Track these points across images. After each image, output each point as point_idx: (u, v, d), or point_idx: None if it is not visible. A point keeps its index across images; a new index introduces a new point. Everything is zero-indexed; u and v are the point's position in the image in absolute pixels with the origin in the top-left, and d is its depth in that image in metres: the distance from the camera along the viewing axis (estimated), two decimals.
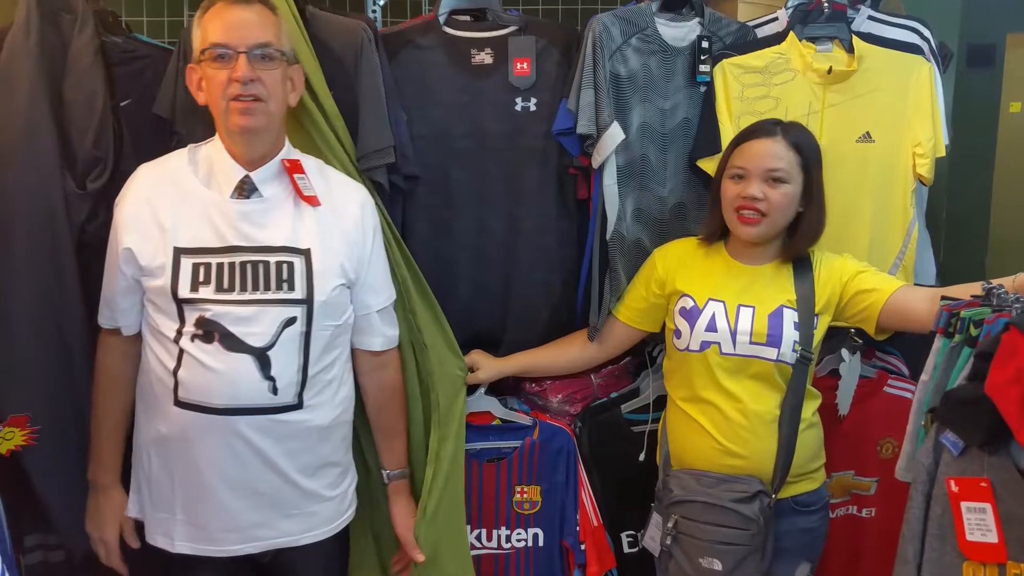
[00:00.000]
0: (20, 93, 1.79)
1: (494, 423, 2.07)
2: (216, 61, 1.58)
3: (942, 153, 2.06)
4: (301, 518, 1.70)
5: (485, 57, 2.01)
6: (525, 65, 2.00)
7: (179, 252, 1.59)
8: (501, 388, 2.14)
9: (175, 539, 1.68)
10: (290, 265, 1.61)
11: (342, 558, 1.87)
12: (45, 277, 1.78)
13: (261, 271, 1.60)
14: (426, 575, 1.89)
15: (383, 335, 1.79)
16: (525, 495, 2.07)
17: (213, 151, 1.67)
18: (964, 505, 1.25)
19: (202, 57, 1.60)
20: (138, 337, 1.69)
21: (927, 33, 2.11)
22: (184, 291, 1.57)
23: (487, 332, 2.09)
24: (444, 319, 1.95)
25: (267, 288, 1.60)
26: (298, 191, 1.64)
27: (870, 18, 2.14)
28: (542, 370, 2.12)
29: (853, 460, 2.16)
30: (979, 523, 1.24)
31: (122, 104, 1.93)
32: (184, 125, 1.87)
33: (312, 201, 1.65)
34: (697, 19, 2.05)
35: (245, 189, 1.63)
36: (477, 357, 2.04)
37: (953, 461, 1.28)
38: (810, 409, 1.86)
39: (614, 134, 1.92)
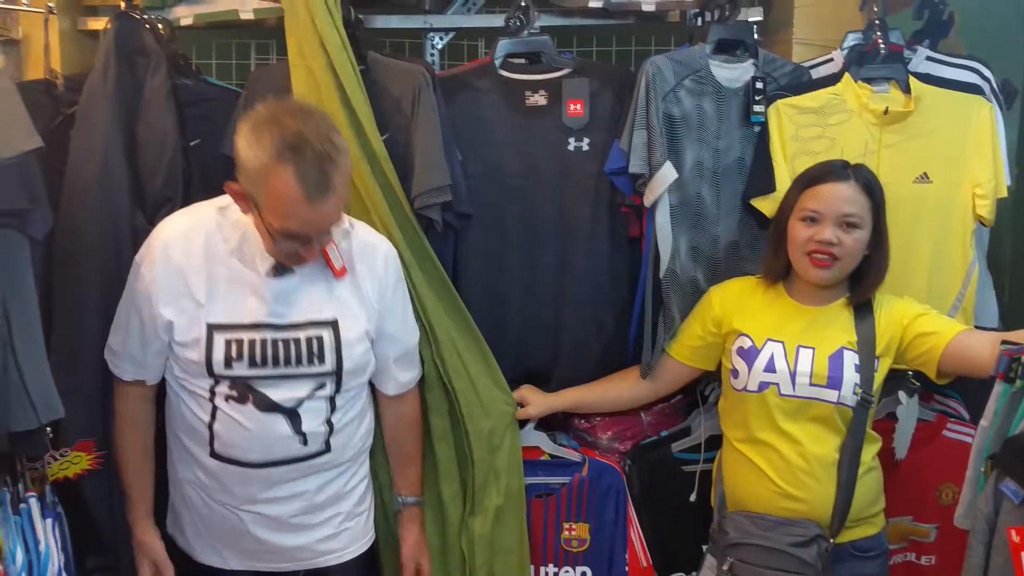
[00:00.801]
0: (97, 133, 1.91)
1: (543, 458, 2.10)
2: (287, 238, 1.56)
3: (1004, 194, 2.04)
4: (335, 539, 1.79)
5: (539, 99, 2.07)
6: (579, 106, 2.05)
7: (212, 328, 1.64)
8: (551, 424, 2.17)
9: (227, 559, 1.78)
10: (320, 339, 1.68)
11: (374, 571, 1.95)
12: (114, 311, 1.87)
13: (292, 348, 1.66)
14: None
15: (396, 380, 1.86)
16: (573, 532, 2.09)
17: (245, 221, 1.64)
18: None
19: (269, 224, 1.54)
20: (158, 383, 1.76)
21: (987, 73, 2.11)
22: (219, 367, 1.64)
23: (538, 368, 2.13)
24: (491, 356, 2.00)
25: (299, 363, 1.67)
26: (330, 264, 1.68)
27: (928, 59, 2.15)
28: (592, 406, 2.14)
29: (911, 505, 2.13)
30: None
31: (192, 144, 2.03)
32: None
33: (340, 273, 1.69)
34: (751, 60, 2.08)
35: (279, 268, 1.65)
36: (527, 392, 2.08)
37: (1014, 509, 1.27)
38: (870, 453, 1.86)
39: (667, 174, 1.96)
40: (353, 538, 1.84)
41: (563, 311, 2.11)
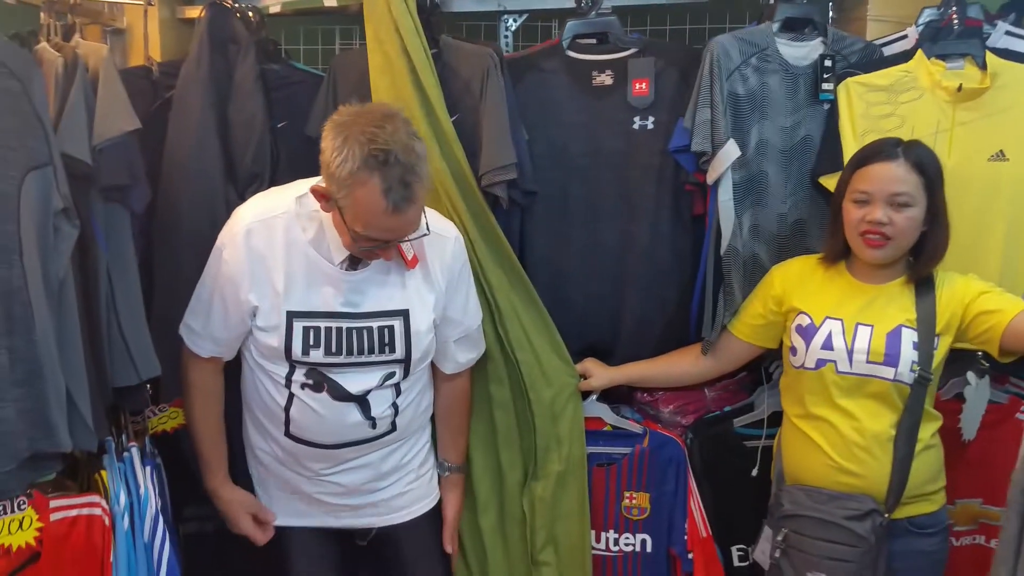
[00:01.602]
0: (192, 116, 2.12)
1: (605, 429, 2.21)
2: (368, 240, 1.68)
3: None
4: (398, 500, 1.97)
5: (605, 78, 2.17)
6: (644, 85, 2.14)
7: (292, 316, 1.77)
8: (614, 396, 2.27)
9: (294, 518, 1.96)
10: (391, 328, 1.81)
11: (439, 532, 2.07)
12: None
13: (365, 337, 1.79)
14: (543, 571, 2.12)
15: (455, 361, 1.99)
16: (634, 501, 2.20)
17: (323, 215, 1.75)
18: None
19: (351, 227, 1.64)
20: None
21: None
22: (297, 354, 1.78)
23: (601, 342, 2.24)
24: (554, 328, 2.12)
25: (371, 352, 1.80)
26: (402, 256, 1.79)
27: (1008, 33, 2.13)
28: (654, 381, 2.24)
29: (981, 488, 2.15)
30: None
31: (278, 125, 2.22)
32: None
33: (413, 263, 1.80)
34: (820, 39, 2.12)
35: (355, 260, 1.78)
36: (590, 365, 2.19)
37: None
38: (928, 431, 1.89)
39: (729, 151, 2.03)
40: (418, 497, 2.00)
41: (626, 287, 2.21)
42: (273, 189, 1.91)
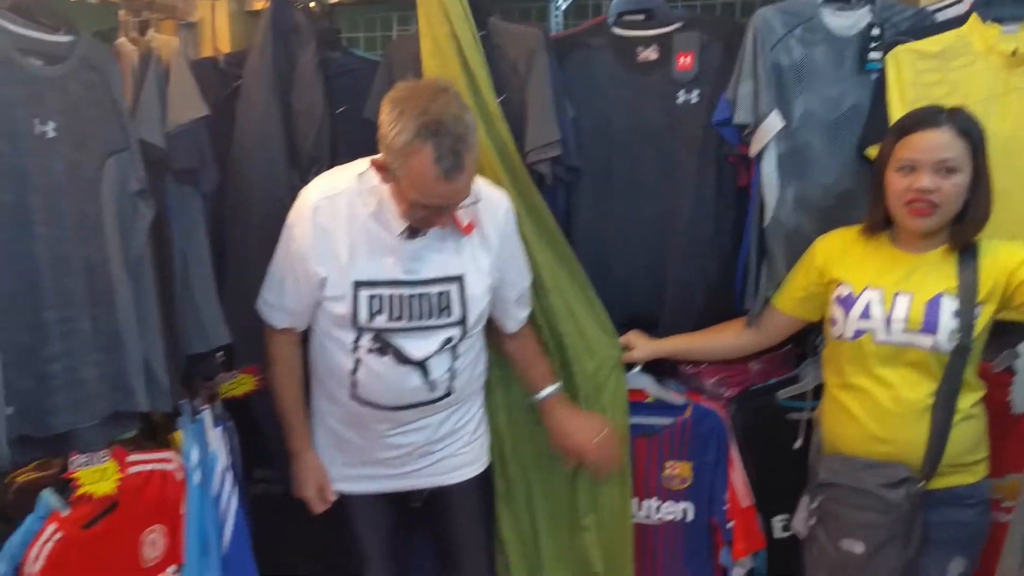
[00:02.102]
0: (256, 105, 2.29)
1: (647, 400, 2.29)
2: (422, 207, 1.80)
3: None
4: (451, 460, 2.10)
5: (650, 53, 2.24)
6: (688, 59, 2.21)
7: (357, 284, 1.92)
8: (660, 368, 2.35)
9: (356, 484, 2.11)
10: (447, 293, 1.95)
11: (486, 495, 2.21)
12: (271, 256, 2.24)
13: (425, 301, 1.94)
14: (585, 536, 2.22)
15: (515, 318, 2.13)
16: (676, 470, 2.28)
17: (382, 190, 1.88)
18: None
19: (406, 196, 1.78)
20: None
21: None
22: (363, 320, 1.93)
23: (645, 314, 2.31)
24: (597, 302, 2.22)
25: (430, 316, 1.94)
26: (457, 223, 1.91)
27: None
28: (697, 353, 2.30)
29: None
30: None
31: (338, 111, 2.37)
32: None
33: (468, 230, 1.93)
34: (868, 7, 2.14)
35: (413, 229, 1.89)
36: (633, 337, 2.27)
37: None
38: (968, 400, 1.90)
39: (772, 123, 2.07)
40: (470, 460, 2.14)
41: (669, 260, 2.28)
42: (336, 168, 2.04)
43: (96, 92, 1.83)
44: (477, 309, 1.98)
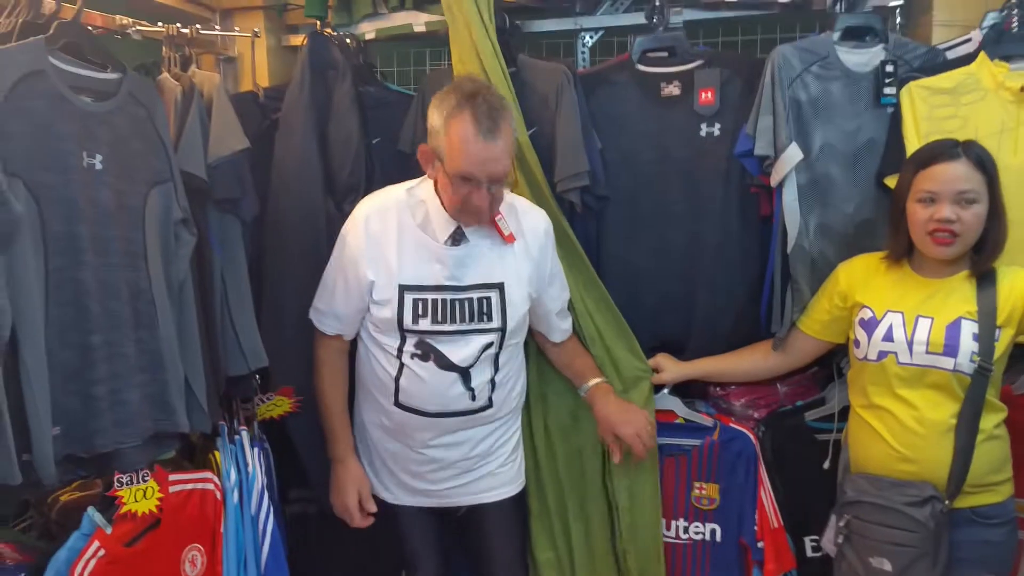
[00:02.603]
0: (296, 135, 2.34)
1: (677, 421, 2.31)
2: (463, 182, 1.88)
3: None
4: (488, 480, 2.13)
5: (673, 89, 2.29)
6: (710, 95, 2.25)
7: (403, 289, 1.99)
8: (690, 391, 2.37)
9: (397, 494, 2.15)
10: (488, 300, 2.00)
11: (521, 515, 2.25)
12: (309, 282, 2.28)
13: (467, 306, 2.00)
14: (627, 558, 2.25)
15: (560, 329, 2.19)
16: (704, 491, 2.29)
17: (429, 199, 2.00)
18: None
19: (447, 169, 1.88)
20: (353, 339, 2.13)
21: None
22: (408, 323, 1.99)
23: (673, 338, 2.35)
24: (625, 326, 2.25)
25: (471, 320, 2.00)
26: (500, 232, 1.99)
27: None
28: (724, 375, 2.33)
29: None
30: None
31: (374, 142, 2.42)
32: None
33: (510, 239, 2.00)
34: (881, 45, 2.19)
35: (456, 238, 1.99)
36: (662, 360, 2.30)
37: None
38: (991, 421, 1.92)
39: (792, 155, 2.11)
40: (507, 480, 2.16)
41: (696, 286, 2.31)
42: (387, 187, 2.11)
43: (141, 126, 1.87)
44: (516, 316, 2.02)
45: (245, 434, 2.13)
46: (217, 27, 2.59)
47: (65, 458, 1.75)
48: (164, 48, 2.19)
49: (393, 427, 2.09)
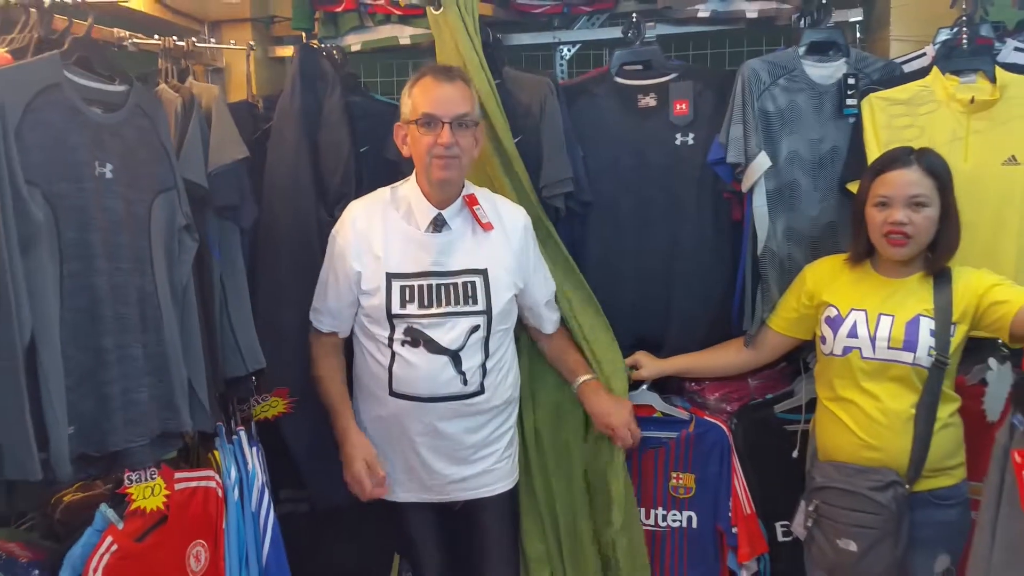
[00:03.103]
0: (287, 144, 2.43)
1: (655, 415, 2.46)
2: (425, 127, 2.05)
3: None
4: (484, 476, 2.23)
5: (650, 100, 2.44)
6: (684, 106, 2.41)
7: (390, 277, 2.12)
8: (667, 386, 2.52)
9: (396, 491, 2.24)
10: (473, 284, 2.13)
11: (514, 510, 2.36)
12: (302, 286, 2.38)
13: (452, 290, 2.13)
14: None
15: (550, 319, 2.33)
16: (680, 481, 2.43)
17: (410, 192, 2.17)
18: None
19: (412, 121, 2.09)
20: (346, 339, 2.25)
21: None
22: (396, 309, 2.11)
23: (651, 336, 2.49)
24: (606, 322, 2.38)
25: (457, 303, 2.12)
26: (477, 220, 2.14)
27: (1016, 49, 2.35)
28: (700, 371, 2.48)
29: None
30: None
31: (361, 150, 2.52)
32: (408, 167, 2.44)
33: (487, 227, 2.15)
34: (844, 59, 2.36)
35: (437, 224, 2.13)
36: (640, 357, 2.44)
37: (1021, 436, 1.54)
38: (947, 410, 2.09)
39: (760, 163, 2.27)
40: (502, 476, 2.27)
41: (673, 286, 2.46)
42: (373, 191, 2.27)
43: (147, 136, 1.95)
44: (501, 301, 2.15)
45: (243, 434, 2.22)
46: (206, 39, 2.68)
47: (78, 457, 1.82)
48: (160, 60, 2.28)
49: (389, 418, 2.19)
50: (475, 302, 2.14)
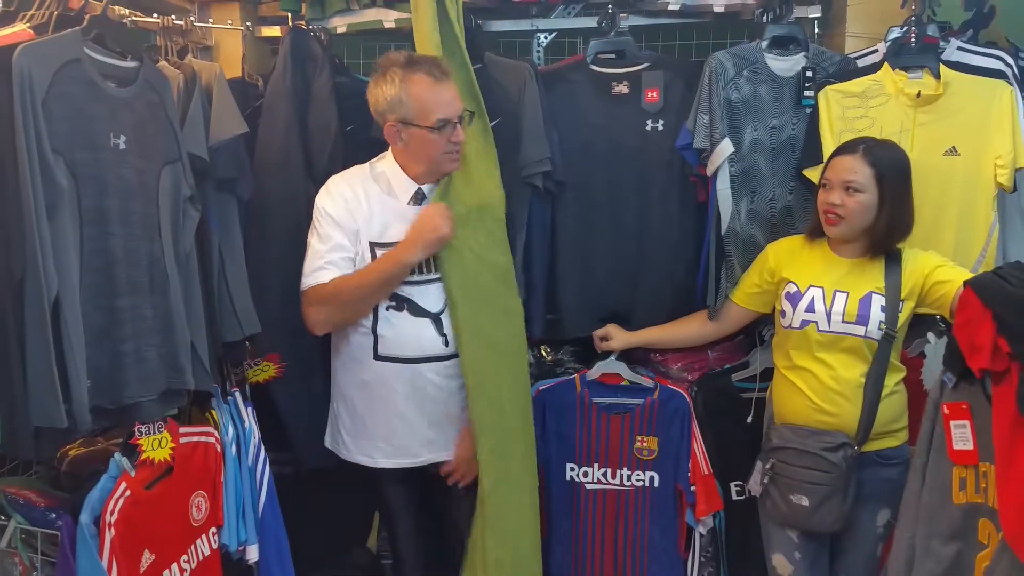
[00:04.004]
0: (278, 122, 2.63)
1: (622, 383, 2.71)
2: (441, 130, 2.25)
3: (1021, 164, 2.50)
4: (456, 437, 2.42)
5: (623, 88, 2.69)
6: (655, 94, 2.66)
7: (373, 245, 2.32)
8: (632, 357, 2.78)
9: (376, 457, 2.42)
10: None
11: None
12: (293, 257, 2.57)
13: (432, 258, 2.33)
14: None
15: None
16: (644, 444, 2.70)
17: (388, 169, 2.36)
18: (952, 423, 1.79)
19: (423, 126, 2.24)
20: None
21: (1010, 60, 2.58)
22: None
23: (621, 310, 2.74)
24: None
25: (436, 270, 2.34)
26: None
27: (959, 48, 2.63)
28: (665, 343, 2.74)
29: None
30: (961, 436, 1.77)
31: (348, 129, 2.72)
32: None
33: None
34: (803, 53, 2.63)
35: (418, 198, 2.36)
36: (611, 329, 2.70)
37: (950, 392, 1.82)
38: (893, 379, 2.35)
39: (724, 148, 2.53)
40: None
41: (642, 263, 2.71)
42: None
43: (155, 110, 2.14)
44: None
45: (238, 394, 2.43)
46: (196, 18, 2.86)
47: (93, 408, 2.01)
48: (159, 38, 2.47)
49: (373, 382, 2.37)
50: None
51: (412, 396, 2.38)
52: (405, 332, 2.35)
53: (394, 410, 2.39)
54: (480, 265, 2.42)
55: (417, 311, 2.34)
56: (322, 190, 2.39)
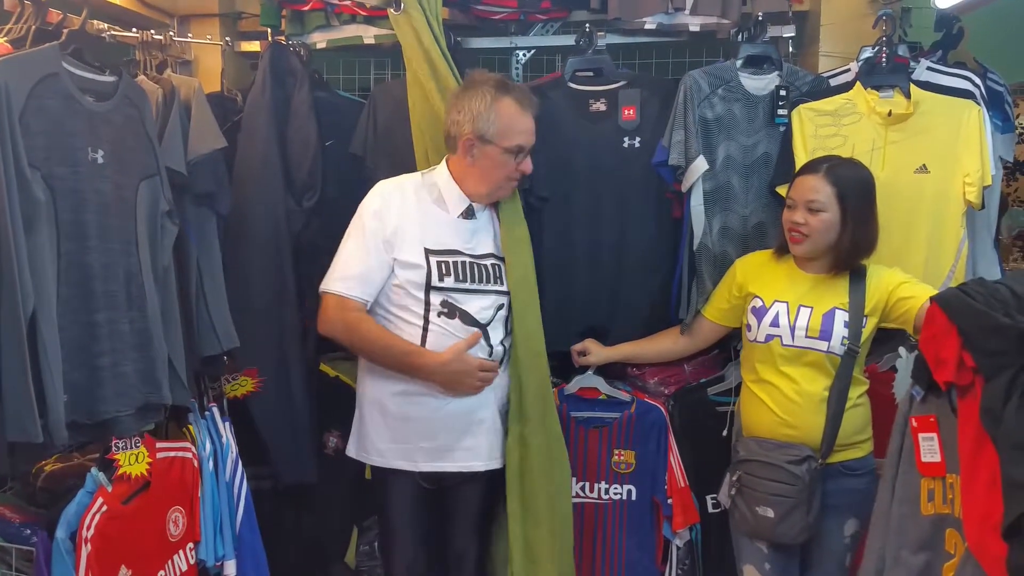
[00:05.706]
0: (258, 136, 2.66)
1: (600, 398, 2.75)
2: (514, 156, 2.35)
3: (989, 183, 2.56)
4: (475, 449, 2.42)
5: (600, 105, 2.73)
6: (631, 111, 2.70)
7: (428, 252, 2.35)
8: (610, 371, 2.80)
9: (417, 461, 2.40)
10: (498, 266, 2.44)
11: (490, 489, 2.53)
12: (271, 271, 2.61)
13: (481, 269, 2.40)
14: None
15: None
16: (622, 457, 2.73)
17: (441, 182, 2.42)
18: (920, 436, 1.82)
19: (502, 147, 2.33)
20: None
21: (978, 81, 2.64)
22: (435, 281, 2.35)
23: (598, 324, 2.77)
24: None
25: (486, 281, 2.40)
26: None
27: (929, 68, 2.69)
28: (641, 357, 2.78)
29: None
30: (929, 448, 1.81)
31: (327, 144, 2.76)
32: (373, 161, 2.70)
33: None
34: (777, 72, 2.68)
35: (468, 212, 2.42)
36: (588, 344, 2.73)
37: (918, 405, 1.86)
38: (856, 392, 2.40)
39: (699, 165, 2.57)
40: (482, 455, 2.42)
41: (619, 278, 2.74)
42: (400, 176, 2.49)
43: (133, 124, 2.15)
44: None
45: (216, 409, 2.44)
46: (175, 33, 2.87)
47: (70, 423, 2.02)
48: (138, 52, 2.48)
49: (415, 389, 2.36)
50: (501, 283, 2.43)
51: (456, 403, 2.38)
52: (455, 340, 2.35)
53: (434, 416, 2.38)
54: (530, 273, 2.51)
55: (468, 319, 2.38)
56: (374, 189, 2.41)
